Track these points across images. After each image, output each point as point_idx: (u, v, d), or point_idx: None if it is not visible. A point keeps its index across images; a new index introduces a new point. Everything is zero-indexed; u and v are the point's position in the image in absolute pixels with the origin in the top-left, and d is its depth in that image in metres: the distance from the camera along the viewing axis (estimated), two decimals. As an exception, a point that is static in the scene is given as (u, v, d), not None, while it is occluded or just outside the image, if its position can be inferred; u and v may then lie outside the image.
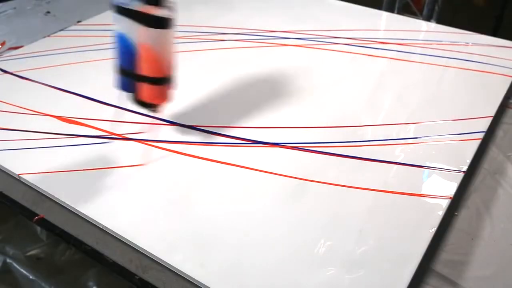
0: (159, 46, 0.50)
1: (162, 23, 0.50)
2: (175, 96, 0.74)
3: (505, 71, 0.79)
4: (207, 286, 0.47)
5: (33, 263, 0.65)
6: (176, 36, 0.52)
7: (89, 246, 0.53)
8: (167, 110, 0.71)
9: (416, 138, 0.65)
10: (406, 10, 1.61)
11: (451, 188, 0.57)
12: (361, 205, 0.55)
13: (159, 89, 0.53)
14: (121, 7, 0.50)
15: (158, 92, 0.53)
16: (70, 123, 0.69)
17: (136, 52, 0.51)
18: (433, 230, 0.52)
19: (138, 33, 0.50)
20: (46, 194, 0.59)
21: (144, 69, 0.51)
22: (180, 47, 0.86)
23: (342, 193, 0.57)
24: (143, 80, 0.52)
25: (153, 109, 0.56)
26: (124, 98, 0.56)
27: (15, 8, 1.07)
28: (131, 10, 0.50)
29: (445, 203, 0.55)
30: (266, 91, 0.76)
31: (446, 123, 0.68)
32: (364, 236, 0.52)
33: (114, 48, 0.52)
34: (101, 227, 0.54)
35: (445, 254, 0.52)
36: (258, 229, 0.53)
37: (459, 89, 0.75)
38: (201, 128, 0.67)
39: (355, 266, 0.49)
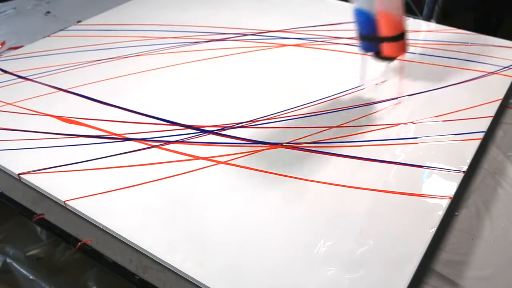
0: (393, 9, 0.62)
1: None
2: (175, 96, 0.75)
3: (505, 71, 0.79)
4: (207, 286, 0.47)
5: (33, 263, 0.65)
6: None
7: (89, 246, 0.53)
8: (167, 110, 0.71)
9: (416, 138, 0.65)
10: (406, 10, 1.61)
11: (451, 188, 0.57)
12: (361, 205, 0.55)
13: (398, 44, 0.64)
14: None
15: (398, 46, 0.65)
16: (70, 123, 0.69)
17: (374, 20, 0.62)
18: (433, 230, 0.52)
19: (377, 3, 0.61)
20: (46, 194, 0.59)
21: (384, 31, 0.63)
22: (180, 47, 0.87)
23: (342, 193, 0.57)
24: (384, 40, 0.64)
25: (393, 60, 0.69)
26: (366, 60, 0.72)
27: (15, 8, 1.07)
28: None
29: (445, 203, 0.55)
30: (265, 91, 0.76)
31: (446, 123, 0.68)
32: (364, 236, 0.52)
33: (354, 21, 0.65)
34: (101, 227, 0.54)
35: (445, 254, 0.52)
36: (258, 229, 0.53)
37: (459, 89, 0.75)
38: (201, 128, 0.67)
39: (355, 266, 0.49)
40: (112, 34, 0.91)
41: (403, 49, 0.65)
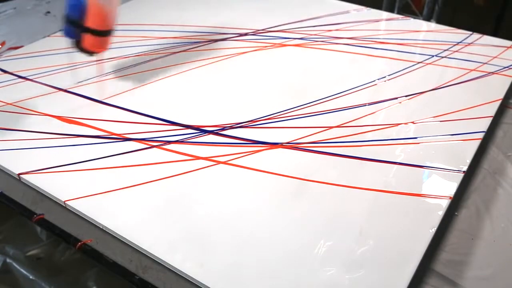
0: (107, 4, 0.59)
1: None
2: (175, 96, 0.75)
3: (505, 71, 0.79)
4: (207, 286, 0.47)
5: (33, 263, 0.65)
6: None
7: (89, 246, 0.53)
8: (167, 110, 0.71)
9: (416, 138, 0.65)
10: (406, 10, 1.62)
11: (451, 188, 0.57)
12: (361, 205, 0.55)
13: (101, 39, 0.62)
14: None
15: (100, 42, 0.62)
16: (70, 123, 0.69)
17: (85, 6, 0.60)
18: (433, 230, 0.52)
19: None
20: (46, 194, 0.59)
21: (91, 21, 0.60)
22: (180, 47, 0.87)
23: (342, 193, 0.57)
24: (88, 31, 0.61)
25: (92, 55, 0.67)
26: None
27: (15, 8, 1.07)
28: None
29: (445, 203, 0.55)
30: (265, 91, 0.76)
31: (446, 123, 0.68)
32: (364, 236, 0.52)
33: (65, 2, 0.61)
34: (101, 227, 0.54)
35: (445, 254, 0.52)
36: (258, 229, 0.53)
37: (459, 89, 0.75)
38: (201, 128, 0.67)
39: (355, 266, 0.49)
40: (112, 35, 0.91)
41: (103, 46, 0.64)
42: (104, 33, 0.62)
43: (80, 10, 0.60)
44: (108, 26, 0.61)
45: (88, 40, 0.62)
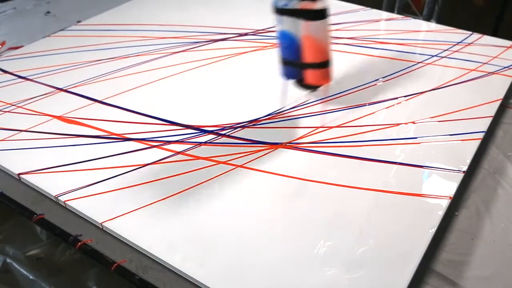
0: (319, 35, 0.58)
1: (320, 15, 0.58)
2: (175, 96, 0.75)
3: (505, 71, 0.79)
4: (207, 286, 0.47)
5: (33, 263, 0.65)
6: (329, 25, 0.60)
7: (89, 246, 0.53)
8: (167, 110, 0.71)
9: (416, 138, 0.65)
10: (406, 10, 1.61)
11: (451, 188, 0.57)
12: (361, 205, 0.55)
13: (323, 72, 0.61)
14: (282, 8, 0.58)
15: (323, 74, 0.62)
16: (70, 123, 0.69)
17: (299, 44, 0.59)
18: (433, 230, 0.52)
19: (300, 27, 0.58)
20: (46, 194, 0.59)
21: (308, 57, 0.60)
22: (180, 47, 0.87)
23: (342, 193, 0.57)
24: (308, 66, 0.61)
25: (316, 89, 0.67)
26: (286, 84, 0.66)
27: (15, 8, 1.07)
28: (292, 9, 0.58)
29: (445, 203, 0.55)
30: (265, 91, 0.76)
31: (446, 123, 0.68)
32: (364, 236, 0.52)
33: (278, 45, 0.62)
34: (101, 227, 0.54)
35: (445, 254, 0.52)
36: (258, 229, 0.53)
37: (459, 89, 0.75)
38: (201, 128, 0.67)
39: (355, 266, 0.49)
40: (112, 34, 0.91)
41: (327, 78, 0.63)
42: (324, 65, 0.61)
43: (295, 50, 0.60)
44: (326, 57, 0.60)
45: (310, 75, 0.62)
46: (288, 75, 0.64)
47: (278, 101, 0.71)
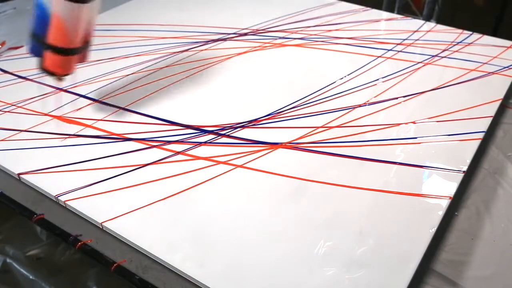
0: (69, 18, 0.53)
1: None
2: (175, 96, 0.75)
3: (505, 71, 0.79)
4: (207, 286, 0.47)
5: (33, 263, 0.65)
6: (92, 10, 0.54)
7: (89, 246, 0.53)
8: (167, 110, 0.71)
9: (416, 138, 0.65)
10: (406, 10, 1.62)
11: (451, 188, 0.57)
12: (361, 205, 0.55)
13: (60, 58, 0.55)
14: None
15: (61, 61, 0.55)
16: (70, 123, 0.69)
17: (48, 20, 0.53)
18: (433, 230, 0.52)
19: (53, 3, 0.52)
20: (46, 194, 0.59)
21: (51, 38, 0.54)
22: (180, 47, 0.87)
23: (342, 193, 0.57)
24: (49, 48, 0.55)
25: (56, 78, 0.59)
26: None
27: (15, 8, 1.07)
28: None
29: (445, 203, 0.55)
30: (265, 91, 0.76)
31: (446, 123, 0.68)
32: (364, 236, 0.52)
33: (33, 13, 0.55)
34: (101, 227, 0.54)
35: (445, 254, 0.52)
36: (258, 229, 0.53)
37: (459, 89, 0.75)
38: (201, 128, 0.67)
39: (355, 266, 0.49)
40: (112, 34, 0.91)
41: (65, 68, 0.57)
42: (64, 52, 0.55)
43: (44, 25, 0.53)
44: (70, 44, 0.54)
45: (48, 58, 0.55)
46: (33, 51, 0.57)
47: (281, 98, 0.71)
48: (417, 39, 0.89)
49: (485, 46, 0.86)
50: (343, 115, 0.70)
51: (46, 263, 0.65)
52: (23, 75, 0.80)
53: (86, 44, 0.57)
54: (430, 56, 0.83)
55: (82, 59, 0.59)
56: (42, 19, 0.54)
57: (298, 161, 0.62)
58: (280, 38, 0.90)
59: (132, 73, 0.80)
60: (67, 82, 0.77)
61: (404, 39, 0.88)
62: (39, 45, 0.56)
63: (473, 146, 0.63)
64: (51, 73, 0.58)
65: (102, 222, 0.54)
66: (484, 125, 0.67)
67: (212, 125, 0.68)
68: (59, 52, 0.55)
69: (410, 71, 0.79)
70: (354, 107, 0.71)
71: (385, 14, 1.00)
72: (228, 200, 0.56)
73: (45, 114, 0.71)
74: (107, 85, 0.77)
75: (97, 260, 0.52)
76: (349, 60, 0.83)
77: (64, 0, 0.51)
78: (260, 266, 0.49)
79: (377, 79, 0.78)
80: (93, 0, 0.54)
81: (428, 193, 0.57)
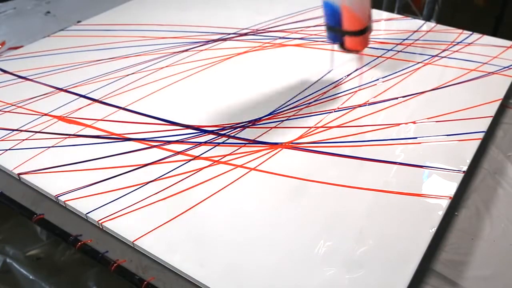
0: (355, 5, 0.64)
1: None
2: (175, 96, 0.75)
3: (505, 71, 0.79)
4: (207, 286, 0.47)
5: (33, 263, 0.65)
6: None
7: (89, 246, 0.53)
8: (167, 110, 0.71)
9: (416, 138, 0.65)
10: (406, 10, 1.62)
11: (451, 188, 0.57)
12: (361, 205, 0.55)
13: (359, 39, 0.68)
14: None
15: (359, 41, 0.68)
16: (70, 123, 0.69)
17: (339, 13, 0.66)
18: (433, 230, 0.52)
19: None
20: (46, 194, 0.59)
21: (345, 25, 0.66)
22: (180, 47, 0.87)
23: (342, 193, 0.57)
24: (346, 33, 0.67)
25: (356, 53, 0.74)
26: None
27: (15, 8, 1.07)
28: None
29: (445, 203, 0.55)
30: (265, 91, 0.76)
31: (446, 123, 0.68)
32: (364, 236, 0.52)
33: (323, 11, 0.68)
34: (101, 227, 0.54)
35: (445, 254, 0.52)
36: (258, 229, 0.53)
37: (459, 89, 0.75)
38: (201, 128, 0.67)
39: (355, 266, 0.49)
40: (112, 34, 0.91)
41: (364, 44, 0.69)
42: (360, 33, 0.67)
43: (336, 17, 0.66)
44: (362, 26, 0.66)
45: (348, 41, 0.68)
46: (332, 39, 0.71)
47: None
48: (417, 39, 0.89)
49: (485, 46, 0.86)
50: (343, 115, 0.70)
51: (46, 263, 0.65)
52: (23, 75, 0.80)
53: (370, 20, 0.68)
54: (430, 56, 0.83)
55: (370, 32, 0.69)
56: (333, 14, 0.66)
57: (298, 161, 0.62)
58: (280, 38, 0.90)
59: (132, 73, 0.80)
60: (68, 82, 0.77)
61: (404, 39, 0.88)
62: (336, 34, 0.69)
63: (473, 146, 0.63)
64: (354, 51, 0.72)
65: (102, 222, 0.54)
66: (484, 125, 0.67)
67: (212, 125, 0.68)
68: (356, 34, 0.67)
69: (410, 71, 0.79)
70: (354, 107, 0.71)
71: (385, 14, 1.00)
72: (228, 200, 0.56)
73: (45, 114, 0.71)
74: (107, 85, 0.77)
75: (97, 260, 0.52)
76: (349, 60, 0.83)
77: None
78: (260, 266, 0.49)
79: (377, 79, 0.78)
80: None
81: (428, 193, 0.57)
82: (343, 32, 0.67)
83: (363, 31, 0.67)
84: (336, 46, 0.71)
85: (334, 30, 0.69)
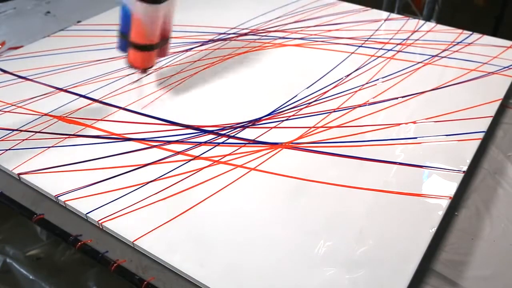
0: (146, 18, 0.59)
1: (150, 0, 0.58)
2: (175, 96, 0.75)
3: (505, 71, 0.79)
4: (207, 286, 0.47)
5: (33, 263, 0.65)
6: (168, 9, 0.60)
7: (89, 246, 0.53)
8: (167, 110, 0.71)
9: (416, 138, 0.65)
10: (406, 10, 1.62)
11: (451, 188, 0.57)
12: (361, 205, 0.55)
13: (140, 54, 0.62)
14: None
15: (140, 57, 0.62)
16: (70, 123, 0.69)
17: (130, 21, 0.60)
18: (433, 230, 0.52)
19: (132, 4, 0.59)
20: (46, 194, 0.59)
21: (133, 36, 0.61)
22: (180, 47, 0.87)
23: (342, 193, 0.57)
24: (131, 45, 0.62)
25: (139, 71, 0.67)
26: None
27: (15, 8, 1.07)
28: None
29: (445, 203, 0.55)
30: (265, 90, 0.76)
31: (446, 123, 0.68)
32: (364, 236, 0.52)
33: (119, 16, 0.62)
34: (101, 227, 0.54)
35: (445, 254, 0.52)
36: (258, 229, 0.53)
37: (459, 89, 0.75)
38: (201, 128, 0.67)
39: (355, 266, 0.49)
40: (112, 34, 0.90)
41: (143, 62, 0.63)
42: (143, 48, 0.61)
43: (128, 25, 0.60)
44: (146, 41, 0.61)
45: (130, 53, 0.62)
46: (121, 47, 0.64)
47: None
48: (417, 39, 0.89)
49: (485, 46, 0.86)
50: (343, 115, 0.70)
51: (46, 263, 0.65)
52: (23, 75, 0.80)
53: (164, 40, 0.64)
54: (430, 56, 0.83)
55: (162, 54, 0.65)
56: (126, 20, 0.60)
57: (298, 161, 0.62)
58: (280, 38, 0.90)
59: (132, 73, 0.80)
60: (68, 82, 0.77)
61: (404, 39, 0.88)
62: (125, 42, 0.62)
63: (473, 146, 0.63)
64: (134, 67, 0.65)
65: (102, 222, 0.54)
66: (484, 125, 0.67)
67: (212, 125, 0.68)
68: (139, 48, 0.61)
69: (410, 71, 0.79)
70: (354, 107, 0.71)
71: (385, 14, 1.00)
72: (228, 200, 0.56)
73: (45, 114, 0.71)
74: (107, 85, 0.77)
75: (97, 260, 0.52)
76: (349, 60, 0.83)
77: (140, 2, 0.57)
78: (260, 266, 0.49)
79: (377, 79, 0.78)
80: (168, 0, 0.59)
81: (428, 193, 0.57)
82: (129, 43, 0.62)
83: (149, 47, 0.62)
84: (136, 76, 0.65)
85: (124, 37, 0.63)
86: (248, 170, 0.60)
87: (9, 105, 0.73)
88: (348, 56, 0.84)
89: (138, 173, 0.60)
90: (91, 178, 0.59)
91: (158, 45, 0.63)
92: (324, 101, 0.73)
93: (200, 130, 0.67)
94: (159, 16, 0.60)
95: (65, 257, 0.66)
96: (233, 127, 0.68)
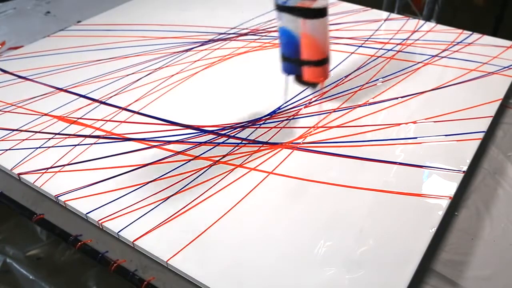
0: (317, 33, 0.59)
1: (317, 13, 0.59)
2: (175, 96, 0.75)
3: (505, 71, 0.79)
4: (207, 286, 0.47)
5: (33, 263, 0.65)
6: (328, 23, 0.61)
7: (89, 246, 0.53)
8: (167, 110, 0.71)
9: (416, 138, 0.65)
10: (406, 10, 1.61)
11: (451, 188, 0.57)
12: (361, 205, 0.55)
13: (319, 69, 0.62)
14: (282, 5, 0.59)
15: (319, 72, 0.62)
16: (70, 123, 0.69)
17: (297, 41, 0.60)
18: (433, 230, 0.52)
19: (300, 25, 0.59)
20: (46, 194, 0.59)
21: (305, 54, 0.60)
22: (180, 47, 0.87)
23: (342, 193, 0.57)
24: (305, 64, 0.61)
25: (314, 86, 0.67)
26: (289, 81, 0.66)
27: (15, 8, 1.07)
28: (290, 6, 0.58)
29: (445, 203, 0.55)
30: (265, 90, 0.76)
31: (446, 123, 0.68)
32: (364, 236, 0.52)
33: (278, 40, 0.62)
34: (101, 227, 0.54)
35: (445, 254, 0.52)
36: (258, 229, 0.53)
37: (459, 89, 0.75)
38: (201, 128, 0.67)
39: (355, 266, 0.49)
40: (112, 34, 0.91)
41: (323, 75, 0.63)
42: (320, 62, 0.61)
43: (293, 46, 0.60)
44: (323, 55, 0.61)
45: (308, 72, 0.62)
46: (287, 71, 0.65)
47: (280, 97, 0.72)
48: (417, 39, 0.89)
49: (485, 46, 0.86)
50: (343, 115, 0.70)
51: (46, 263, 0.65)
52: (23, 75, 0.80)
53: (329, 52, 0.64)
54: (430, 56, 0.83)
55: (329, 65, 0.64)
56: (290, 43, 0.60)
57: (298, 161, 0.62)
58: (280, 38, 0.89)
59: (132, 73, 0.80)
60: (68, 82, 0.77)
61: (404, 39, 0.88)
62: (293, 64, 0.62)
63: (473, 146, 0.63)
64: (312, 84, 0.65)
65: (102, 222, 0.54)
66: (484, 125, 0.67)
67: (212, 125, 0.68)
68: (317, 64, 0.61)
69: (410, 71, 0.79)
70: (354, 107, 0.71)
71: (385, 14, 1.00)
72: (228, 200, 0.56)
73: (45, 114, 0.71)
74: (107, 85, 0.77)
75: (97, 260, 0.52)
76: (349, 60, 0.83)
77: (309, 20, 0.58)
78: (260, 266, 0.49)
79: (377, 79, 0.78)
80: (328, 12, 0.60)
81: (428, 193, 0.57)
82: (302, 62, 0.61)
83: (325, 60, 0.61)
84: (290, 79, 0.64)
85: (291, 60, 0.62)
86: (248, 170, 0.60)
87: (9, 105, 0.73)
88: (348, 56, 0.84)
89: (138, 173, 0.60)
90: (91, 178, 0.59)
91: (329, 57, 0.63)
92: (324, 101, 0.73)
93: (200, 130, 0.67)
94: (327, 27, 0.60)
95: (65, 257, 0.66)
96: (233, 127, 0.68)
